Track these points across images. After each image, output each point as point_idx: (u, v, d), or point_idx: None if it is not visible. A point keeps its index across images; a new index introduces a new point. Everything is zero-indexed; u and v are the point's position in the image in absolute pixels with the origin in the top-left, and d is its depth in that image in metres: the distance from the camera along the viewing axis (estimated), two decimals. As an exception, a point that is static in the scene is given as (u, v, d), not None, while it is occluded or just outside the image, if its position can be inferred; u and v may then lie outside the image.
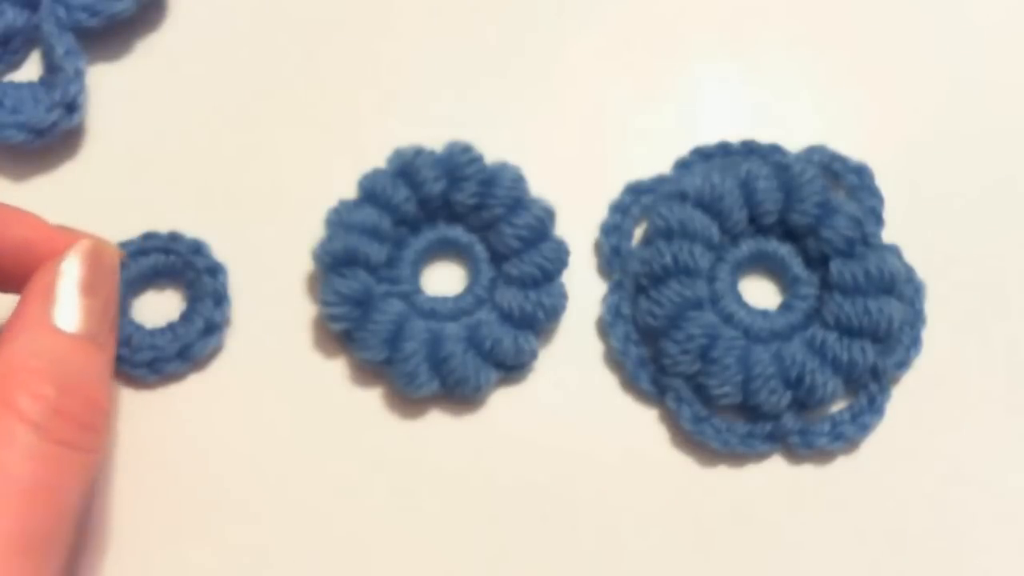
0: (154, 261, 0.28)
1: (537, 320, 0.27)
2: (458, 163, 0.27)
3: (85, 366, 0.23)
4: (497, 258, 0.28)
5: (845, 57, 0.31)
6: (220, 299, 0.28)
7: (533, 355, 0.27)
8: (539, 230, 0.27)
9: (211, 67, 0.31)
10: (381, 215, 0.27)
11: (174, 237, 0.28)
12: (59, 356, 0.23)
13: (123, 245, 0.28)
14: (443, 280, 0.29)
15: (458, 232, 0.28)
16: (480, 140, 0.28)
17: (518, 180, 0.28)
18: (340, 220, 0.27)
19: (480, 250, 0.28)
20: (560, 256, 0.27)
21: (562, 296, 0.27)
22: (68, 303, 0.23)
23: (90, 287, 0.24)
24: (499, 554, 0.26)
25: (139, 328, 0.27)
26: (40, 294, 0.23)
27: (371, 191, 0.27)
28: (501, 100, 0.31)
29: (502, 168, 0.28)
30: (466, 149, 0.28)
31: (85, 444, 0.22)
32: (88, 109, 0.30)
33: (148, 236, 0.28)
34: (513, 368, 0.27)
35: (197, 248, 0.28)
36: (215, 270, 0.28)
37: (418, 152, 0.28)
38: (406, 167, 0.27)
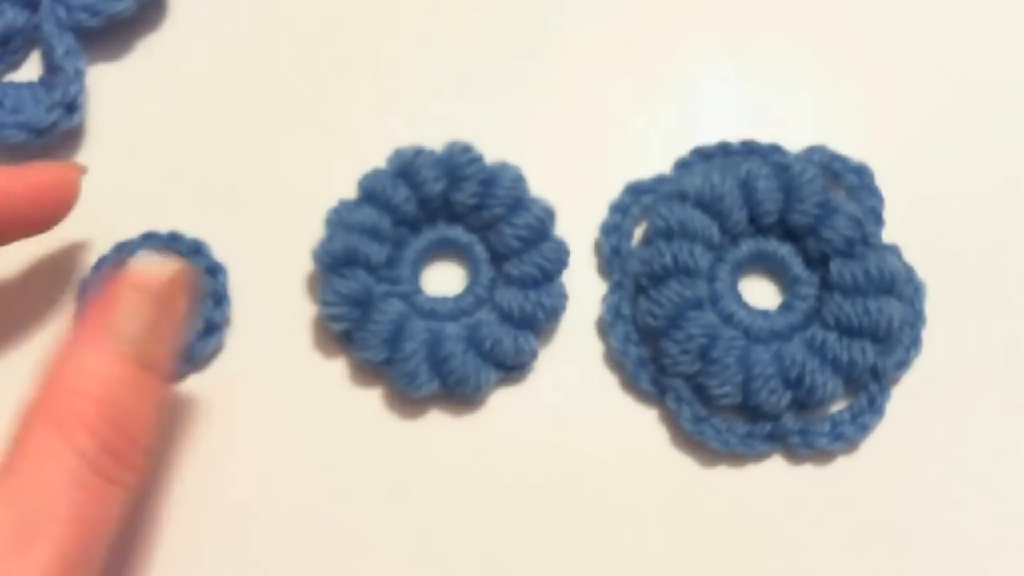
0: None
1: (537, 320, 0.27)
2: (458, 163, 0.27)
3: (137, 400, 0.22)
4: (497, 258, 0.28)
5: (845, 57, 0.31)
6: (220, 299, 0.28)
7: (533, 355, 0.27)
8: (539, 230, 0.27)
9: (211, 67, 0.31)
10: (381, 215, 0.27)
11: (174, 237, 0.28)
12: (112, 384, 0.21)
13: (123, 246, 0.28)
14: (443, 280, 0.29)
15: (458, 232, 0.28)
16: (480, 140, 0.28)
17: (518, 180, 0.28)
18: (340, 220, 0.27)
19: (480, 250, 0.28)
20: (560, 256, 0.27)
21: (562, 296, 0.27)
22: (130, 326, 0.22)
23: (156, 312, 0.22)
24: (499, 554, 0.26)
25: None
26: (103, 310, 0.22)
27: (371, 191, 0.27)
28: (501, 100, 0.31)
29: (502, 168, 0.28)
30: (466, 149, 0.28)
31: (124, 480, 0.22)
32: (88, 109, 0.30)
33: (148, 236, 0.28)
34: (513, 368, 0.27)
35: (197, 248, 0.28)
36: (215, 270, 0.28)
37: (418, 152, 0.28)
38: (406, 167, 0.27)
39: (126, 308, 0.22)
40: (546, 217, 0.27)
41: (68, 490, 0.20)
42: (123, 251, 0.28)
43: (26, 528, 0.20)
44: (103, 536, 0.21)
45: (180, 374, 0.27)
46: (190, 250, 0.28)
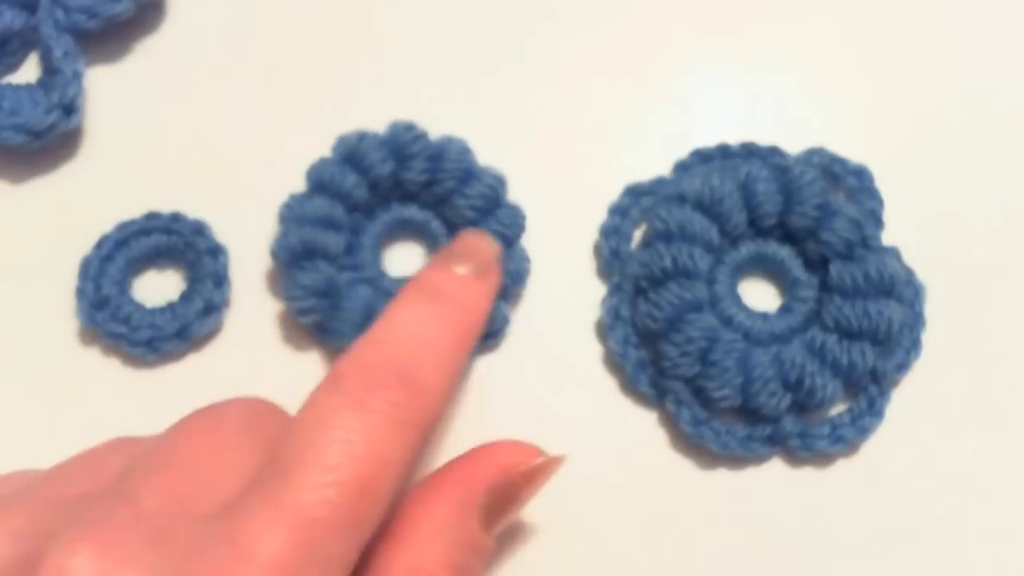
0: (155, 241, 0.28)
1: (504, 286, 0.27)
2: (403, 142, 0.27)
3: (481, 569, 0.24)
4: (455, 231, 0.28)
5: (845, 59, 0.31)
6: (220, 280, 0.28)
7: (505, 321, 0.27)
8: (492, 198, 0.27)
9: (210, 69, 0.31)
10: (333, 204, 0.27)
11: (176, 217, 0.28)
12: (472, 559, 0.22)
13: (124, 225, 0.28)
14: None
15: (412, 211, 0.28)
16: (479, 142, 0.28)
17: (464, 152, 0.28)
18: (292, 214, 0.27)
19: (437, 225, 0.28)
20: (517, 220, 0.27)
21: (524, 260, 0.27)
22: (502, 517, 0.23)
23: (521, 504, 0.24)
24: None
25: (139, 307, 0.28)
26: (484, 493, 0.23)
27: (320, 181, 0.27)
28: (500, 102, 0.31)
29: (448, 142, 0.28)
30: (409, 127, 0.28)
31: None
32: (86, 111, 0.30)
33: (150, 216, 0.28)
34: (487, 336, 0.27)
35: (199, 229, 0.28)
36: (216, 251, 0.28)
37: (362, 136, 0.27)
38: (351, 152, 0.27)
39: (509, 504, 0.23)
40: (497, 185, 0.27)
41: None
42: (125, 230, 0.28)
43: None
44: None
45: (178, 354, 0.28)
46: (192, 231, 0.28)
